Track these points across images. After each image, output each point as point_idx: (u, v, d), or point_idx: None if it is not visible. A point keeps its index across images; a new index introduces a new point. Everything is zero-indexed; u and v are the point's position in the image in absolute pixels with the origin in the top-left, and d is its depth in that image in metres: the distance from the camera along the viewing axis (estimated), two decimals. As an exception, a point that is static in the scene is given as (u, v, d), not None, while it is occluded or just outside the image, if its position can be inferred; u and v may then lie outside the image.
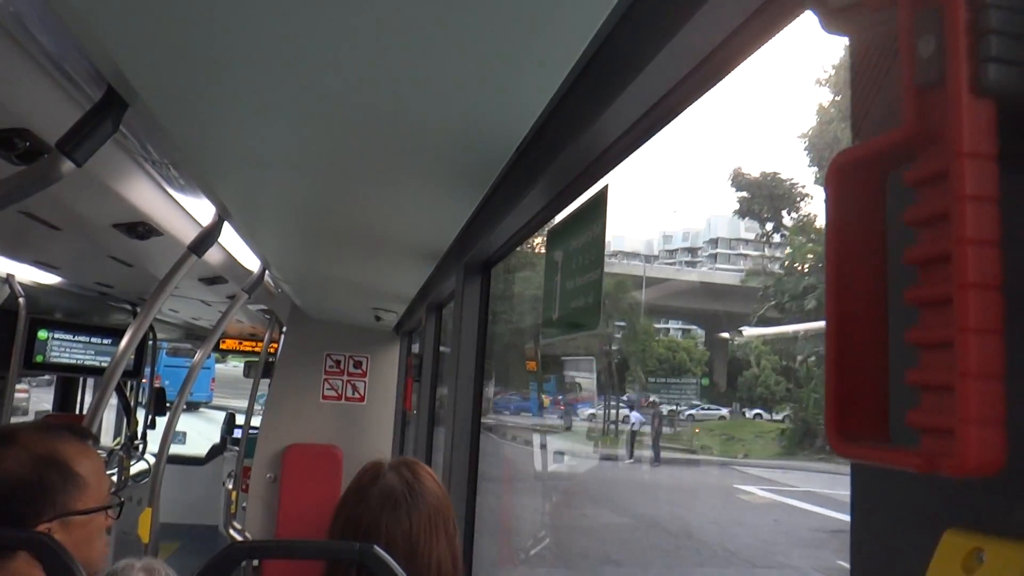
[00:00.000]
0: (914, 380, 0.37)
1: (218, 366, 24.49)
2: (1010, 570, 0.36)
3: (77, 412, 5.43)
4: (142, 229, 2.29)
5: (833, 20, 0.43)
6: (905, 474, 0.44)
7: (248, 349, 8.05)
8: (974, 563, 0.38)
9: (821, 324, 0.44)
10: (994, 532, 0.39)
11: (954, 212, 0.34)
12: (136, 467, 5.20)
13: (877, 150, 0.39)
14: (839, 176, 0.41)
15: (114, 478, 4.74)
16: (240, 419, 7.09)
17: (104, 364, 4.48)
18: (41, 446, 1.39)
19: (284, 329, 5.08)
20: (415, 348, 4.26)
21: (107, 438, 6.43)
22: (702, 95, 0.93)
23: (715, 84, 0.89)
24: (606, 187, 1.23)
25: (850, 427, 0.40)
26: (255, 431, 5.00)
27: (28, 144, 1.52)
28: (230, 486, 5.37)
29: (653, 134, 1.06)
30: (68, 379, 5.32)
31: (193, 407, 20.81)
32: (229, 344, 7.86)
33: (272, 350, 5.63)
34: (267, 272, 3.22)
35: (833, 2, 0.42)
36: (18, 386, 5.03)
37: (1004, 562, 0.37)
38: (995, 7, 0.35)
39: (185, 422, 10.89)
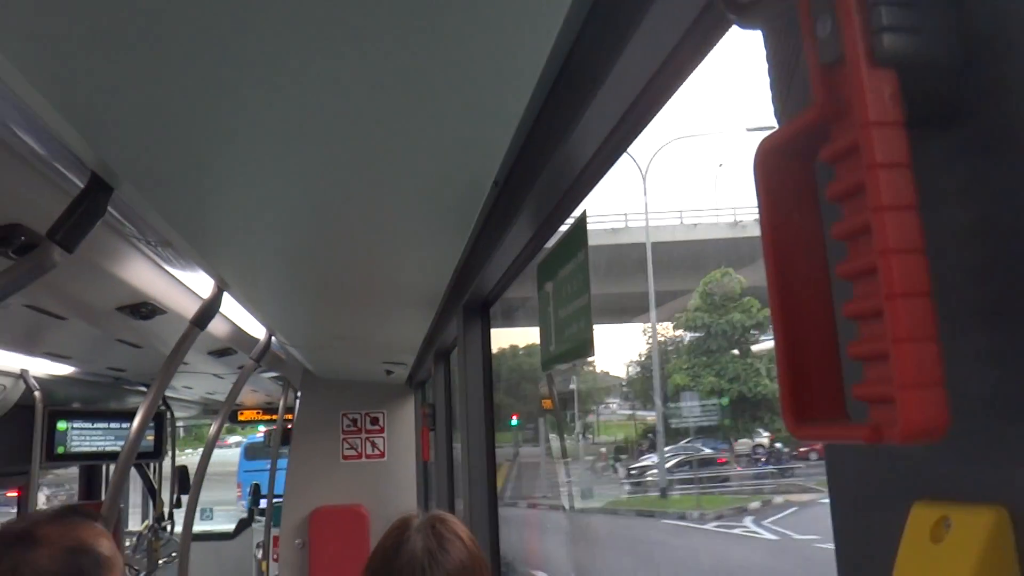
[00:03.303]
0: (855, 353, 0.37)
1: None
2: (975, 534, 0.36)
3: (102, 499, 5.41)
4: (145, 309, 2.32)
5: (744, 15, 0.44)
6: (873, 450, 0.44)
7: (268, 418, 8.04)
8: (942, 532, 0.37)
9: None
10: (958, 499, 0.38)
11: (868, 181, 0.35)
12: (166, 548, 5.18)
13: (796, 131, 0.40)
14: (765, 161, 0.41)
15: (146, 560, 4.71)
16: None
17: (126, 448, 4.46)
18: (66, 538, 1.41)
19: (299, 394, 5.08)
20: (429, 398, 4.25)
21: (135, 522, 6.41)
22: (662, 106, 0.95)
23: (673, 92, 0.91)
24: (584, 212, 1.24)
25: (807, 410, 0.40)
26: (280, 499, 4.98)
27: (23, 238, 1.54)
28: (260, 556, 5.34)
29: (623, 150, 1.07)
30: (91, 467, 5.32)
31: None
32: (247, 415, 7.86)
33: (288, 416, 5.62)
34: (274, 338, 3.23)
35: None
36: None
37: (969, 527, 0.36)
38: None
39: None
